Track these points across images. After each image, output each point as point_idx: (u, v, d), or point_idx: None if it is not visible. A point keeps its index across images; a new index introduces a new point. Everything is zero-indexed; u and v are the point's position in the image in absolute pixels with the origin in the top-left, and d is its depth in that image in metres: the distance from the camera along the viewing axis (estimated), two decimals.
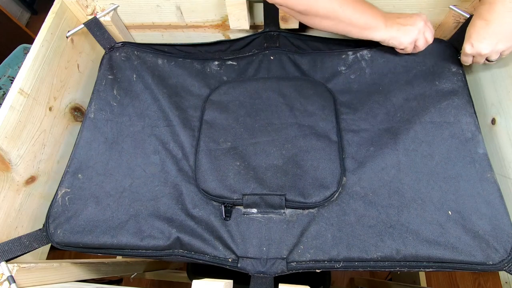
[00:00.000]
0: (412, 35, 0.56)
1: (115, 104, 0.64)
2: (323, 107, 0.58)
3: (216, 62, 0.68)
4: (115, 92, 0.65)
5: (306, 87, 0.61)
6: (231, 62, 0.68)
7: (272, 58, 0.66)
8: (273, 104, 0.60)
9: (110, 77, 0.66)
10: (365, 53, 0.64)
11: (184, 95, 0.64)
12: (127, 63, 0.68)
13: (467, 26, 0.61)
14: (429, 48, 0.61)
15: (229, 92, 0.62)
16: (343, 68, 0.64)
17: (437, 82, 0.59)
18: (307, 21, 0.55)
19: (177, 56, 0.69)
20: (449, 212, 0.49)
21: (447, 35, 0.65)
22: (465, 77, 0.60)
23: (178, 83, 0.66)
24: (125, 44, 0.70)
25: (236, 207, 0.53)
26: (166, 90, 0.64)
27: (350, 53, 0.65)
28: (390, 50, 0.62)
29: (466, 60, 0.57)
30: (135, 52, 0.69)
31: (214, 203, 0.53)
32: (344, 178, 0.53)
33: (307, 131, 0.56)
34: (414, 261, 0.47)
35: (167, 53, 0.70)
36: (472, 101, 0.57)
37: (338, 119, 0.58)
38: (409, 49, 0.59)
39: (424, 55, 0.62)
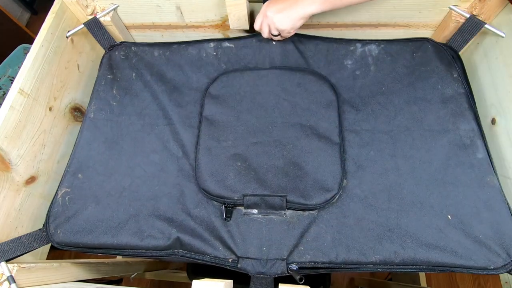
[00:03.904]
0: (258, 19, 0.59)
1: (114, 103, 0.64)
2: (327, 106, 0.58)
3: (212, 44, 0.67)
4: (114, 91, 0.65)
5: (309, 82, 0.60)
6: (228, 44, 0.66)
7: (274, 42, 0.65)
8: (274, 101, 0.59)
9: (109, 76, 0.66)
10: (373, 48, 0.63)
11: (183, 90, 0.64)
12: (126, 62, 0.67)
13: (467, 26, 0.61)
14: (431, 51, 0.61)
15: (228, 84, 0.61)
16: (349, 63, 0.63)
17: (439, 86, 0.59)
18: None
19: (172, 43, 0.68)
20: (449, 217, 0.49)
21: (447, 35, 0.65)
22: (466, 81, 0.59)
23: (176, 76, 0.65)
24: (123, 42, 0.70)
25: (237, 207, 0.53)
26: (165, 87, 0.64)
27: (359, 45, 0.64)
28: (397, 48, 0.62)
29: None
30: (133, 48, 0.68)
31: (215, 203, 0.53)
32: (345, 181, 0.53)
33: (309, 131, 0.56)
34: (412, 265, 0.47)
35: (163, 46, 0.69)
36: (473, 105, 0.57)
37: (340, 118, 0.58)
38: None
39: (427, 56, 0.62)
